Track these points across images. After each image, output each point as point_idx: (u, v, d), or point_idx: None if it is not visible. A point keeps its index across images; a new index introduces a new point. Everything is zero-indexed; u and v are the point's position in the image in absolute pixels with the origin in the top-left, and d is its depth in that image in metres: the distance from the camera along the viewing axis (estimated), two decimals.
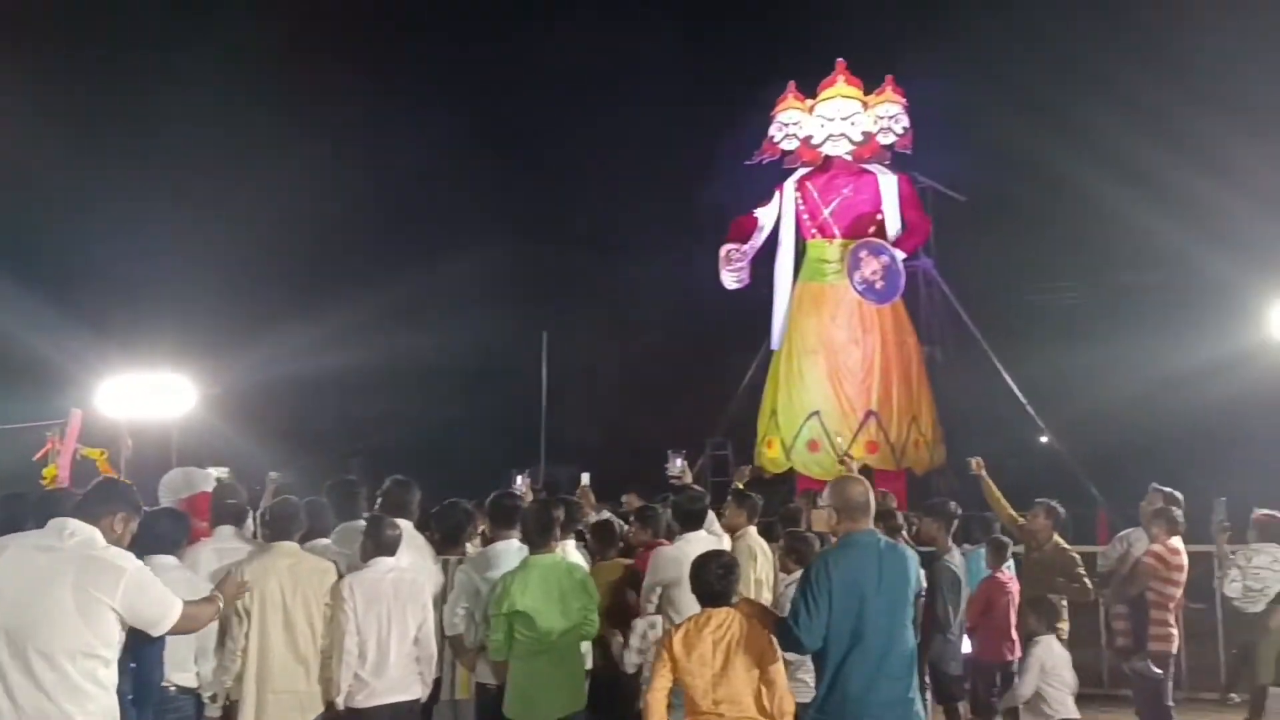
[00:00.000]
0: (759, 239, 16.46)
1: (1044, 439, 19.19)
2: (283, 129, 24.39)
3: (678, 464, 7.45)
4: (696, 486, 7.33)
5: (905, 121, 16.03)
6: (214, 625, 5.08)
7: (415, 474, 6.48)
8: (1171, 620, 7.69)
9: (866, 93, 16.24)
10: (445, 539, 6.57)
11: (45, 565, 3.95)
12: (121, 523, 4.24)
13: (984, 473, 8.74)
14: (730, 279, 16.14)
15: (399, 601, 5.30)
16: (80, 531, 4.05)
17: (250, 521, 6.39)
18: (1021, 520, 8.23)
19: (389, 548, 5.49)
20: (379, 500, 6.35)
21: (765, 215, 16.49)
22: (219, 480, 6.91)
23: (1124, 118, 22.90)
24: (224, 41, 23.77)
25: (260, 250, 23.86)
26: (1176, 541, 7.78)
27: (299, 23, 24.79)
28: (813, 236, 16.14)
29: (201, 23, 24.78)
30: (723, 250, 16.20)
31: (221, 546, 5.79)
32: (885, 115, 16.04)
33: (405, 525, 5.87)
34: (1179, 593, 7.69)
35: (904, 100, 16.17)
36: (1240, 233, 19.37)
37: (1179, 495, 8.02)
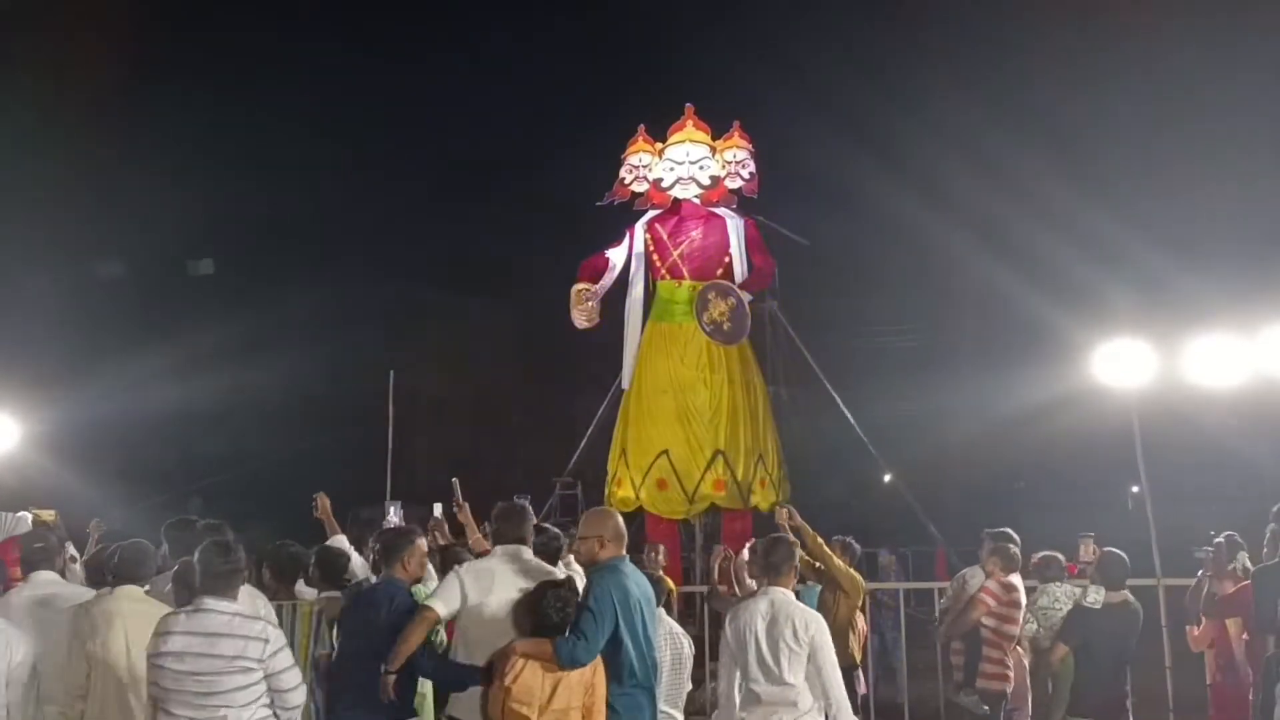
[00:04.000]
0: (609, 279, 16.52)
1: (886, 478, 19.63)
2: (115, 149, 23.53)
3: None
4: (551, 527, 7.30)
5: (752, 166, 16.35)
6: (65, 668, 5.00)
7: (257, 513, 6.30)
8: (1008, 660, 7.87)
9: (715, 137, 16.52)
10: (280, 581, 6.37)
11: None
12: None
13: (797, 522, 8.42)
14: (581, 318, 16.16)
15: None
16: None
17: (62, 563, 6.10)
18: (819, 566, 8.41)
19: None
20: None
21: (616, 255, 16.59)
22: (43, 522, 6.62)
23: (961, 168, 23.84)
24: (48, 58, 22.78)
25: (92, 280, 22.98)
26: (1015, 579, 7.99)
27: (133, 37, 23.97)
28: (663, 278, 16.28)
29: (17, 41, 23.68)
30: (574, 289, 16.23)
31: (38, 594, 5.49)
32: (733, 160, 16.32)
33: None
34: (1017, 630, 7.88)
35: (751, 146, 16.50)
36: (1068, 279, 20.27)
37: (1012, 533, 8.24)
